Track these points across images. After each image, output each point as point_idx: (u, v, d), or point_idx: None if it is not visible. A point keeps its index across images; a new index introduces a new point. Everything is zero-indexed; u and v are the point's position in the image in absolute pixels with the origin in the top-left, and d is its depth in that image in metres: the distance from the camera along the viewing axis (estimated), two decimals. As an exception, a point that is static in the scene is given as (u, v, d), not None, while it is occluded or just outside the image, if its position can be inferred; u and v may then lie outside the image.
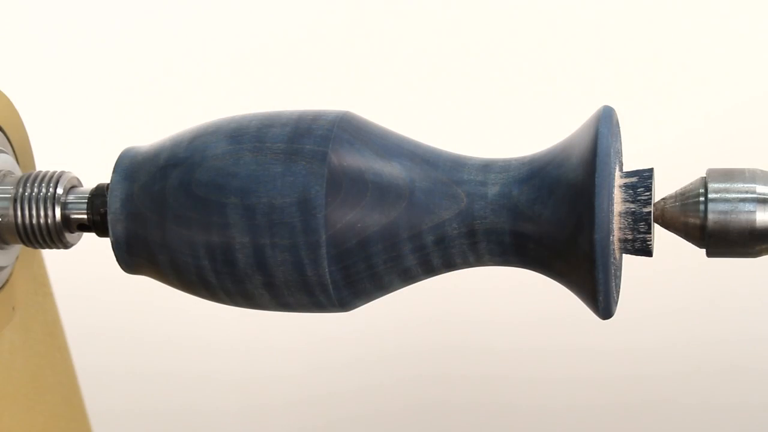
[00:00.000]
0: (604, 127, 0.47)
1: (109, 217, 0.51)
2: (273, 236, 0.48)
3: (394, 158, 0.49)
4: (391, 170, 0.49)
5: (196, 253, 0.49)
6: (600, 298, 0.47)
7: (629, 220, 0.47)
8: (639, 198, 0.47)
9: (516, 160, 0.49)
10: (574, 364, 0.97)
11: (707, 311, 0.95)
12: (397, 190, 0.48)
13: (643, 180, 0.47)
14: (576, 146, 0.48)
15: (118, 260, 0.51)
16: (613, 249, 0.47)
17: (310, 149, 0.48)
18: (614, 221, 0.47)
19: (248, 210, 0.48)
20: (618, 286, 0.49)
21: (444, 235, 0.48)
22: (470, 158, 0.50)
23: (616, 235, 0.47)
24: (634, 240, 0.47)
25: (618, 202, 0.47)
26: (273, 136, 0.49)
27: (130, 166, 0.51)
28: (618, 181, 0.47)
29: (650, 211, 0.47)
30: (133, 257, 0.51)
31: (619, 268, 0.49)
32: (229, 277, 0.50)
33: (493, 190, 0.48)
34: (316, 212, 0.48)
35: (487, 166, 0.49)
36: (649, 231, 0.47)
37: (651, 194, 0.47)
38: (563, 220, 0.47)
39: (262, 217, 0.48)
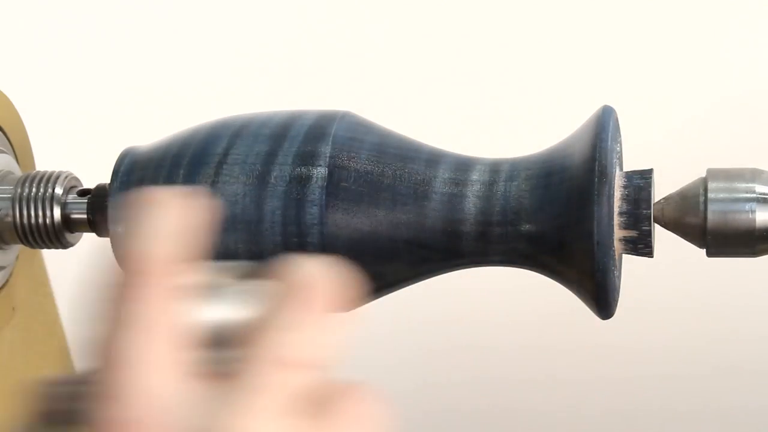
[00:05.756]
0: (604, 128, 0.47)
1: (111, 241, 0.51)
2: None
3: (395, 162, 0.49)
4: (398, 160, 0.49)
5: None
6: (600, 298, 0.47)
7: (630, 222, 0.47)
8: (639, 200, 0.47)
9: (517, 160, 0.49)
10: (573, 364, 0.96)
11: (707, 311, 0.95)
12: (399, 193, 0.49)
13: (643, 182, 0.47)
14: (576, 147, 0.48)
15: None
16: (614, 250, 0.47)
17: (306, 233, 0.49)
18: (615, 223, 0.47)
19: (253, 255, 0.49)
20: (618, 286, 0.49)
21: (447, 233, 0.49)
22: (472, 159, 0.50)
23: (616, 236, 0.47)
24: (634, 241, 0.47)
25: (618, 204, 0.47)
26: (269, 213, 0.49)
27: (128, 183, 0.51)
28: (618, 181, 0.47)
29: (650, 213, 0.47)
30: None
31: (619, 268, 0.49)
32: None
33: (495, 190, 0.48)
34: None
35: (489, 167, 0.49)
36: (649, 232, 0.47)
37: (651, 196, 0.47)
38: (565, 221, 0.47)
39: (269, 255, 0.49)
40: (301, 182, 0.49)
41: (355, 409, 0.33)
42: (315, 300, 0.33)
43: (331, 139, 0.49)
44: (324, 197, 0.48)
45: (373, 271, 0.49)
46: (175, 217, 0.33)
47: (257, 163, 0.49)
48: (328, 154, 0.49)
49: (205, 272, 0.34)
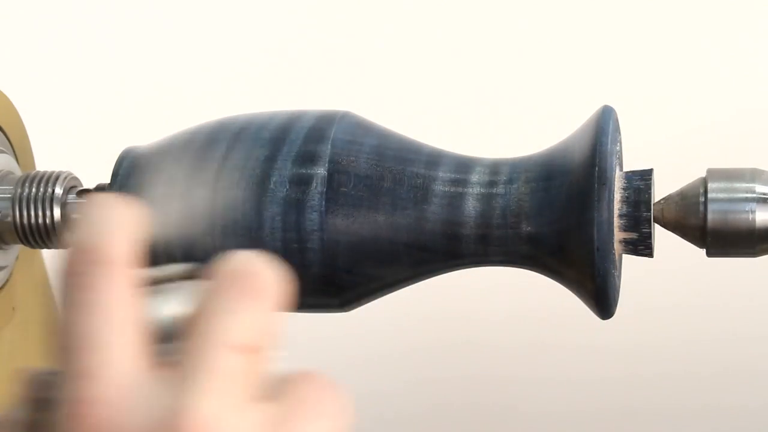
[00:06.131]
0: (603, 131, 0.47)
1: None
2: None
3: (394, 165, 0.49)
4: (397, 163, 0.49)
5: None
6: (600, 300, 0.47)
7: (630, 224, 0.47)
8: (639, 202, 0.47)
9: (516, 161, 0.49)
10: (572, 363, 0.96)
11: (707, 311, 0.95)
12: (399, 197, 0.49)
13: (643, 183, 0.47)
14: (576, 150, 0.48)
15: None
16: (614, 253, 0.47)
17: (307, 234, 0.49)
18: (615, 226, 0.47)
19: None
20: (618, 286, 0.49)
21: (447, 236, 0.49)
22: (472, 160, 0.50)
23: (616, 238, 0.47)
24: (634, 243, 0.47)
25: (618, 207, 0.47)
26: (268, 219, 0.49)
27: (127, 187, 0.51)
28: (618, 183, 0.47)
29: (650, 215, 0.47)
30: None
31: (619, 269, 0.49)
32: None
33: (495, 192, 0.48)
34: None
35: (489, 168, 0.49)
36: (649, 235, 0.47)
37: (651, 198, 0.47)
38: (564, 226, 0.47)
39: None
40: (301, 188, 0.49)
41: (315, 397, 0.35)
42: (254, 286, 0.34)
43: (330, 142, 0.49)
44: (324, 203, 0.48)
45: (373, 273, 0.49)
46: (125, 218, 0.35)
47: (257, 168, 0.49)
48: (327, 159, 0.49)
49: (149, 272, 0.36)
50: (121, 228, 0.34)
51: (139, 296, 0.34)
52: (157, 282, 0.36)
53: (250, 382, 0.33)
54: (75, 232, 0.34)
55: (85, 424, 0.32)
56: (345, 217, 0.48)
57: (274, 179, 0.49)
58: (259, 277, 0.34)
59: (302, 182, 0.49)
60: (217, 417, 0.32)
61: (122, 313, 0.33)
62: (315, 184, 0.48)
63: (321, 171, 0.49)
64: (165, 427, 0.32)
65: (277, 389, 0.34)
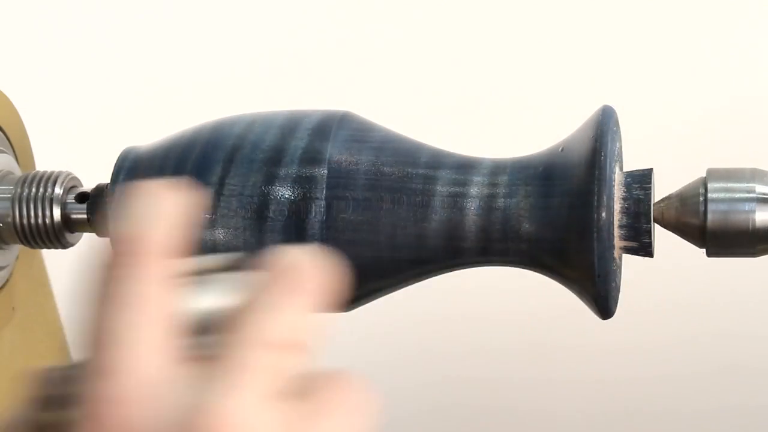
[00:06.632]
0: (604, 130, 0.47)
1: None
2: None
3: (392, 183, 0.49)
4: (395, 182, 0.49)
5: None
6: (600, 298, 0.47)
7: (630, 234, 0.47)
8: (639, 213, 0.47)
9: (516, 168, 0.49)
10: (573, 364, 0.96)
11: (707, 311, 0.95)
12: (399, 216, 0.49)
13: (643, 194, 0.47)
14: (576, 148, 0.48)
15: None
16: (614, 251, 0.47)
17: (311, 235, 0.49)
18: (615, 234, 0.47)
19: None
20: (618, 286, 0.49)
21: (448, 249, 0.49)
22: (470, 166, 0.50)
23: (617, 244, 0.47)
24: (635, 249, 0.47)
25: (618, 218, 0.47)
26: (270, 247, 0.49)
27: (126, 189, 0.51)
28: (618, 190, 0.47)
29: (650, 227, 0.47)
30: None
31: (619, 268, 0.49)
32: None
33: (494, 209, 0.48)
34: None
35: (488, 178, 0.49)
36: (649, 244, 0.47)
37: (650, 209, 0.47)
38: (564, 247, 0.47)
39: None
40: (300, 217, 0.48)
41: (341, 396, 0.34)
42: (298, 283, 0.33)
43: (326, 166, 0.49)
44: (324, 231, 0.48)
45: (375, 286, 0.50)
46: (168, 206, 0.33)
47: (254, 196, 0.49)
48: (324, 186, 0.49)
49: (192, 262, 0.34)
50: (164, 216, 0.33)
51: (175, 288, 0.33)
52: (198, 273, 0.35)
53: (279, 381, 0.32)
54: (117, 222, 0.33)
55: (103, 424, 0.31)
56: (347, 243, 0.48)
57: (272, 208, 0.49)
58: (305, 273, 0.33)
59: (301, 211, 0.48)
60: (240, 415, 0.31)
61: (153, 307, 0.32)
62: (314, 213, 0.48)
63: (319, 199, 0.48)
64: (187, 426, 0.31)
65: (305, 387, 0.33)
